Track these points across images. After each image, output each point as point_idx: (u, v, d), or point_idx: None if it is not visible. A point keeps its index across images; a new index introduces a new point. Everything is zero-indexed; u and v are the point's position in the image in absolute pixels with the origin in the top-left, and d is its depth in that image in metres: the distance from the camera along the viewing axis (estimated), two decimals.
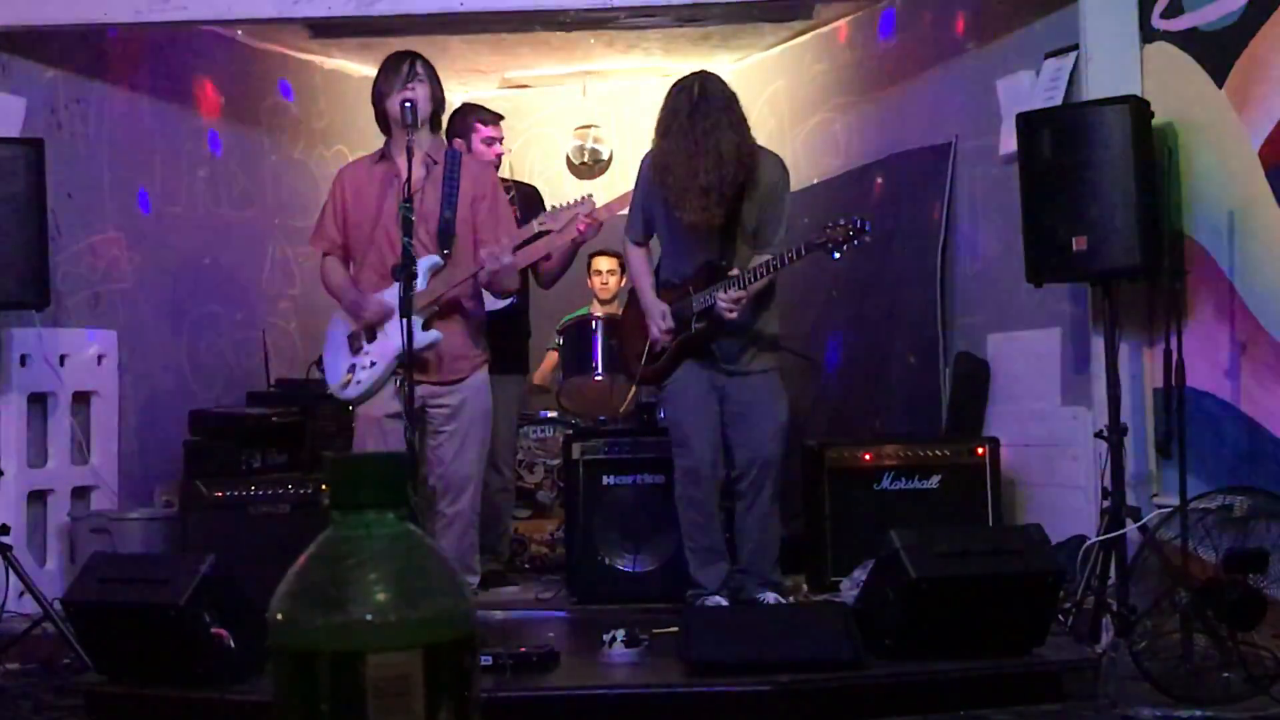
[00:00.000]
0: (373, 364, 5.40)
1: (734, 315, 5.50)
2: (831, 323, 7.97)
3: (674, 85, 5.62)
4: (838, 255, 5.39)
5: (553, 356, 7.78)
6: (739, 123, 5.49)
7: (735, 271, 5.52)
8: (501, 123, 6.84)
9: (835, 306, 7.90)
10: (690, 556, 5.74)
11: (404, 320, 4.87)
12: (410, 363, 4.94)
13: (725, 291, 5.47)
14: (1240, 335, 5.34)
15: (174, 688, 4.61)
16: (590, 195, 5.76)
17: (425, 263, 5.23)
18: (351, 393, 5.47)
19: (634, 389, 6.56)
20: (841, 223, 5.35)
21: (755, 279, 5.48)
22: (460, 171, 5.46)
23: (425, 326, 5.24)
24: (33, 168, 5.81)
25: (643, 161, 5.75)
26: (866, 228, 5.32)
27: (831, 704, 4.48)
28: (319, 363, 5.90)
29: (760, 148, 5.65)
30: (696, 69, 5.80)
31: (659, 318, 5.67)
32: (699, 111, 5.42)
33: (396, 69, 5.41)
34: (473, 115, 6.71)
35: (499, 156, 6.69)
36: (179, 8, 6.33)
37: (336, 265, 5.58)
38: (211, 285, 7.91)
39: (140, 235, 7.30)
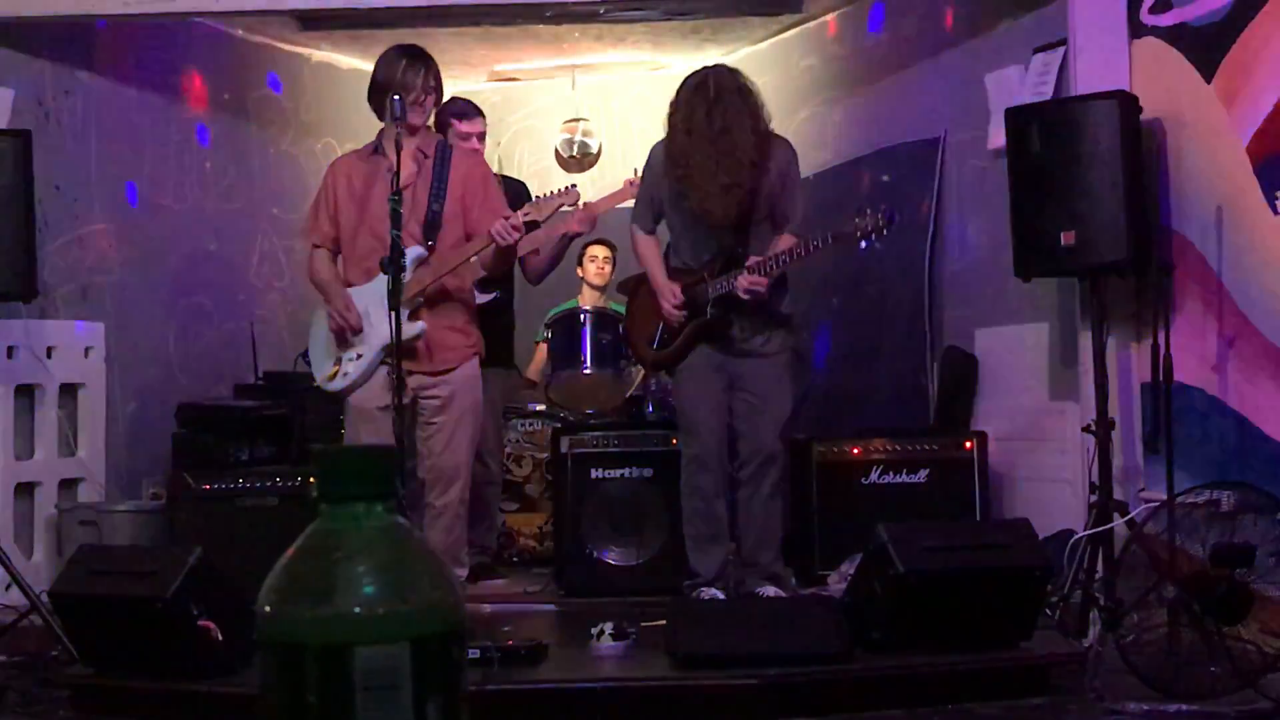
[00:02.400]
0: (359, 356, 5.41)
1: (750, 299, 5.49)
2: (820, 316, 7.98)
3: (688, 80, 5.59)
4: (865, 245, 5.39)
5: (543, 349, 7.79)
6: (755, 115, 5.48)
7: (753, 260, 5.50)
8: (480, 118, 6.76)
9: (824, 300, 7.91)
10: (690, 543, 5.74)
11: (393, 313, 4.87)
12: (399, 355, 4.93)
13: (743, 278, 5.46)
14: (1228, 330, 5.35)
15: (161, 680, 4.60)
16: (575, 185, 5.75)
17: (411, 254, 5.23)
18: (338, 385, 5.47)
19: (643, 373, 6.56)
20: (869, 212, 5.35)
21: (777, 266, 5.47)
22: (450, 164, 5.47)
23: (410, 318, 5.24)
24: (20, 159, 5.79)
25: (652, 151, 5.74)
26: (894, 218, 5.33)
27: (819, 697, 4.48)
28: (305, 355, 5.89)
29: (771, 133, 5.64)
30: (694, 65, 5.78)
31: (669, 295, 5.66)
32: (715, 111, 5.41)
33: (414, 73, 5.38)
34: (449, 110, 6.64)
35: (477, 152, 6.59)
36: (168, 0, 6.33)
37: (325, 258, 5.58)
38: (199, 278, 7.89)
39: (128, 227, 7.28)
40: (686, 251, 5.72)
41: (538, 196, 5.95)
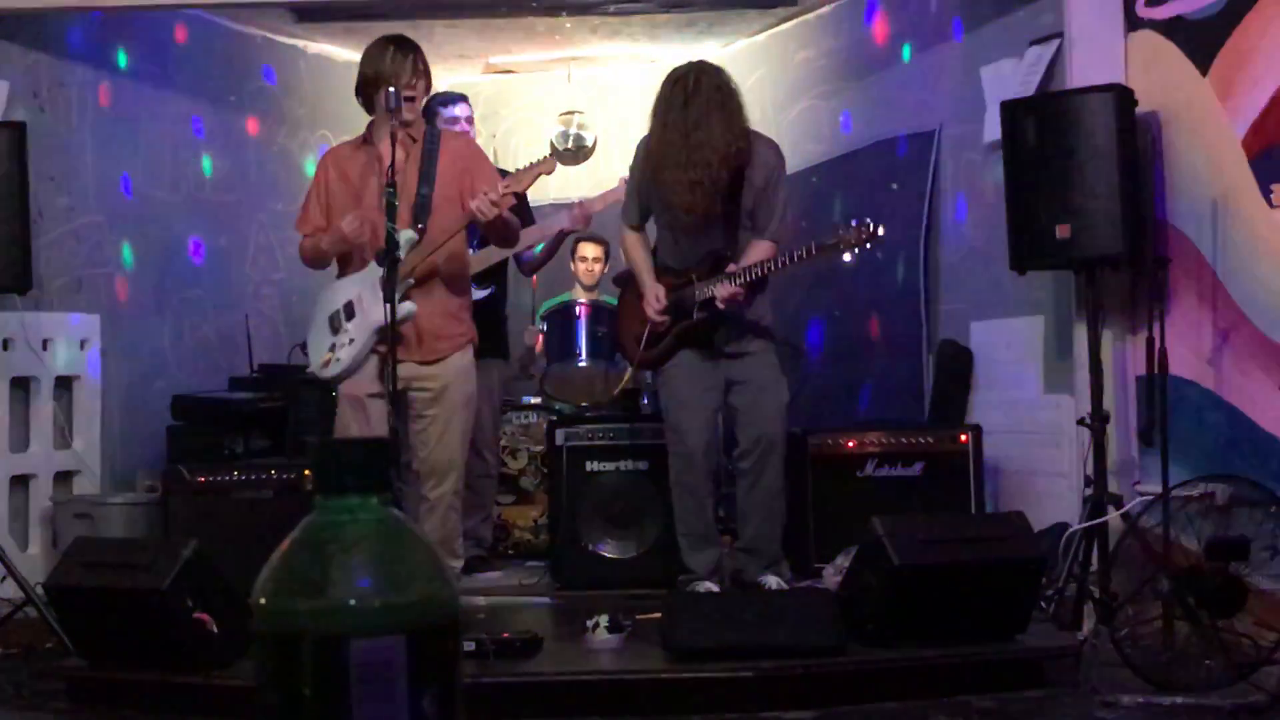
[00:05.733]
0: (351, 341, 5.40)
1: (727, 309, 5.52)
2: (815, 310, 7.98)
3: (670, 74, 5.60)
4: (849, 258, 5.40)
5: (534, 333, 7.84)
6: (732, 114, 5.48)
7: (733, 268, 5.52)
8: (462, 102, 6.75)
9: (818, 293, 7.91)
10: (682, 541, 5.74)
11: (388, 302, 4.87)
12: (393, 341, 4.93)
13: (722, 288, 5.48)
14: (1223, 323, 5.36)
15: (156, 672, 4.60)
16: (550, 155, 5.75)
17: (402, 237, 5.21)
18: (331, 371, 5.46)
19: (630, 371, 6.55)
20: (854, 224, 5.34)
21: (753, 277, 5.48)
22: (439, 149, 5.47)
23: (401, 299, 5.23)
24: (15, 151, 5.78)
25: (638, 147, 5.75)
26: (880, 232, 5.31)
27: (814, 690, 4.49)
28: (303, 347, 5.89)
29: (756, 134, 5.64)
30: (690, 58, 5.79)
31: (653, 299, 5.66)
32: (691, 105, 5.42)
33: (402, 59, 5.36)
34: (433, 100, 6.62)
35: (465, 134, 6.58)
36: None
37: (314, 242, 5.58)
38: (194, 270, 7.89)
39: (123, 219, 7.27)
40: (673, 251, 5.74)
41: (515, 170, 5.96)
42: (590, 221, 6.42)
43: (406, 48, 5.41)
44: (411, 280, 5.32)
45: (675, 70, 5.61)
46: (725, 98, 5.49)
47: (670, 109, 5.48)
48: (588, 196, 6.73)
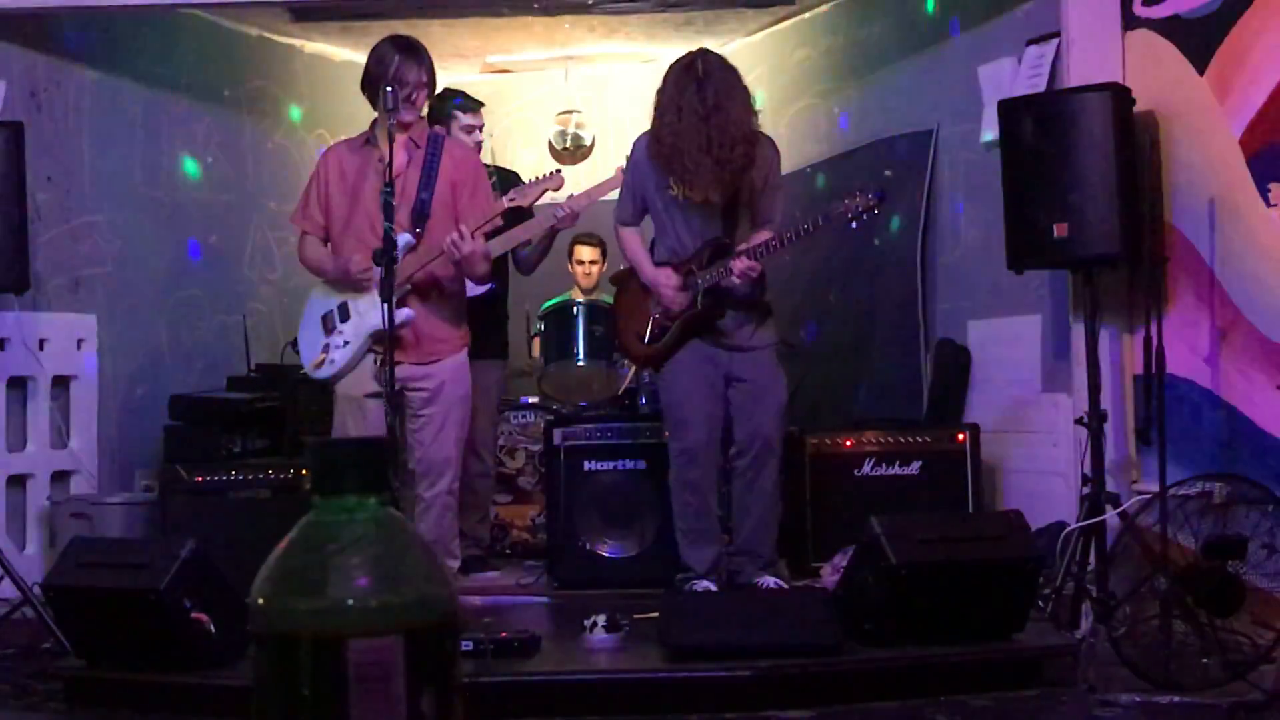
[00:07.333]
0: (346, 343, 5.40)
1: (741, 282, 5.50)
2: (813, 309, 7.98)
3: (675, 63, 5.56)
4: (856, 225, 5.48)
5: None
6: (745, 96, 5.49)
7: (743, 246, 5.51)
8: (482, 110, 6.79)
9: (817, 293, 7.91)
10: (681, 538, 5.72)
11: (384, 303, 4.87)
12: (391, 344, 4.93)
13: (738, 262, 5.47)
14: (1220, 322, 5.36)
15: (154, 672, 4.60)
16: (559, 170, 5.74)
17: (399, 241, 5.22)
18: (325, 372, 5.47)
19: (634, 369, 6.54)
20: (858, 193, 5.38)
21: (768, 252, 5.48)
22: (441, 154, 5.47)
23: (398, 305, 5.23)
24: (12, 151, 5.78)
25: (636, 143, 5.72)
26: (883, 197, 5.39)
27: (811, 689, 4.49)
28: (294, 343, 5.89)
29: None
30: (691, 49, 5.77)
31: (666, 283, 5.64)
32: (705, 88, 5.40)
33: (408, 66, 5.36)
34: (452, 102, 6.65)
35: (478, 145, 6.63)
36: None
37: (314, 242, 5.58)
38: (191, 269, 7.88)
39: (120, 219, 7.26)
40: (673, 243, 5.69)
41: (522, 184, 5.96)
42: (578, 218, 6.42)
43: (414, 56, 5.41)
44: (408, 286, 5.32)
45: (678, 60, 5.58)
46: (736, 79, 5.49)
47: (683, 94, 5.43)
48: (576, 194, 6.70)
